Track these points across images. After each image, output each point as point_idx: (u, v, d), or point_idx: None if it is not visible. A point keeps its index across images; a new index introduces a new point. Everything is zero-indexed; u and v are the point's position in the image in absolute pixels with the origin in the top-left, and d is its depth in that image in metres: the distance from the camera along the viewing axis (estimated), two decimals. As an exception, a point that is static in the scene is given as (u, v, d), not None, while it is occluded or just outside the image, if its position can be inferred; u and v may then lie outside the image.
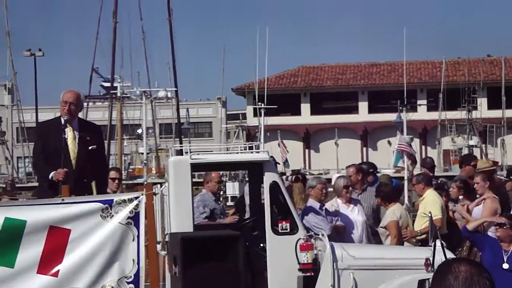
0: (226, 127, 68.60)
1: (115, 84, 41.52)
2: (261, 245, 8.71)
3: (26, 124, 51.12)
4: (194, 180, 8.64)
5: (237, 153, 9.19)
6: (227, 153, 9.67)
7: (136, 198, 7.78)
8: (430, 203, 10.65)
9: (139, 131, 50.42)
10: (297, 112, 68.84)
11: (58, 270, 7.50)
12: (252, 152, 9.02)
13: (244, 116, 70.36)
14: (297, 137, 68.19)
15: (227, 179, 41.73)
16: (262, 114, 36.45)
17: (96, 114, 54.35)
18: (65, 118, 8.40)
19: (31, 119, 49.81)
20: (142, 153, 39.56)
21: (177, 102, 41.75)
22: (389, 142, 60.51)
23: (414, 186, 11.42)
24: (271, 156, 9.22)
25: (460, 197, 11.38)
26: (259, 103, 36.86)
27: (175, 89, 39.41)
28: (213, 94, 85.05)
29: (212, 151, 9.17)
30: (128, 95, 40.01)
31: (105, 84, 42.35)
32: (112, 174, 10.24)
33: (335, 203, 10.40)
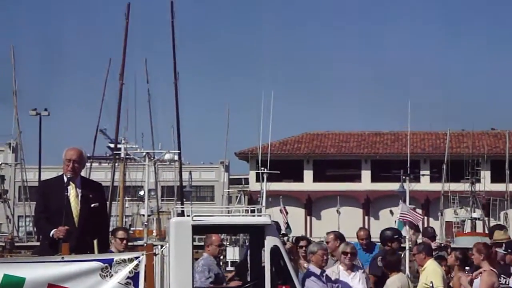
0: (228, 191, 68.55)
1: (119, 146, 41.75)
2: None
3: (29, 183, 51.16)
4: (194, 243, 8.62)
5: (239, 216, 9.19)
6: (229, 216, 9.67)
7: (137, 258, 7.77)
8: (431, 273, 10.63)
9: (141, 193, 50.42)
10: (300, 179, 68.84)
11: (53, 329, 7.44)
12: (253, 216, 9.02)
13: (246, 181, 70.36)
14: (299, 203, 68.07)
15: (228, 243, 41.55)
16: (265, 179, 36.50)
17: (99, 174, 54.40)
18: (68, 176, 8.43)
19: (34, 178, 49.82)
20: (143, 215, 39.51)
21: (180, 165, 41.86)
22: (391, 212, 60.38)
23: (415, 256, 11.39)
24: (275, 221, 9.22)
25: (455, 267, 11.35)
26: (262, 168, 36.95)
27: (178, 151, 39.56)
28: (216, 158, 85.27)
29: (213, 214, 9.14)
30: (131, 157, 40.15)
31: (112, 145, 42.45)
32: (120, 234, 10.13)
33: (336, 270, 10.36)
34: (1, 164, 49.08)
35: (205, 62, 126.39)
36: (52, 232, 8.28)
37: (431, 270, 10.76)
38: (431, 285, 9.03)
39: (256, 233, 9.09)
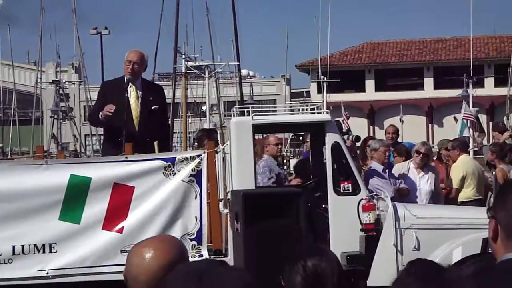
0: (290, 104, 68.38)
1: (179, 63, 41.85)
2: (323, 206, 8.69)
3: (93, 102, 51.78)
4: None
5: (299, 114, 9.18)
6: (289, 114, 9.66)
7: (198, 156, 7.86)
8: (453, 170, 11.05)
9: (204, 108, 50.74)
10: (361, 89, 68.26)
11: (123, 227, 7.63)
12: (314, 113, 8.98)
13: (308, 94, 70.05)
14: (362, 113, 67.68)
15: (291, 155, 41.69)
16: (325, 88, 36.29)
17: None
18: (128, 78, 8.48)
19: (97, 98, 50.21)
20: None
21: (240, 77, 41.85)
22: (455, 118, 59.53)
23: (450, 152, 11.47)
24: (335, 120, 9.17)
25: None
26: (322, 77, 36.65)
27: (238, 63, 39.42)
28: (277, 72, 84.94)
29: (273, 113, 9.13)
30: (192, 71, 40.23)
31: (197, 64, 42.60)
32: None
33: (406, 166, 10.37)
34: (65, 82, 49.72)
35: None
36: (100, 114, 8.36)
37: (454, 167, 10.95)
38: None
39: (317, 130, 9.08)
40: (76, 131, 45.22)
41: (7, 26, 54.52)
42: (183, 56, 38.72)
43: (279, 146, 10.32)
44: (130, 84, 8.46)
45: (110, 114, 8.17)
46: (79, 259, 7.52)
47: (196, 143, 9.82)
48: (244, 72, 70.21)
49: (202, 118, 53.10)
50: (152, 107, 8.54)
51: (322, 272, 3.12)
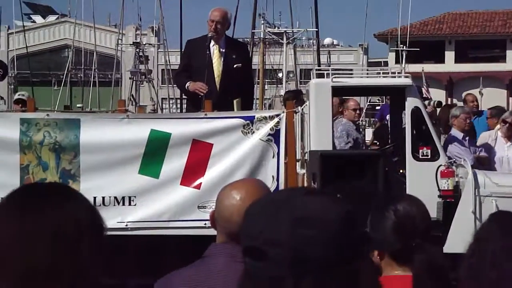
0: (367, 73, 67.63)
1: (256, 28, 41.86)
2: (401, 171, 8.63)
3: (172, 66, 52.41)
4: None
5: (379, 77, 9.09)
6: (369, 77, 9.57)
7: (277, 115, 7.85)
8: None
9: (280, 75, 50.70)
10: (441, 60, 67.12)
11: (201, 183, 7.70)
12: (394, 77, 8.90)
13: (385, 63, 69.20)
14: (440, 85, 66.62)
15: (366, 124, 41.39)
16: (404, 57, 35.79)
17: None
18: (210, 36, 8.50)
19: (176, 62, 50.77)
20: (282, 95, 39.81)
21: (318, 44, 41.52)
22: (537, 93, 58.21)
23: (488, 120, 11.19)
24: (416, 85, 9.05)
25: None
26: (401, 46, 36.15)
27: (316, 29, 39.15)
28: (354, 41, 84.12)
29: (353, 76, 9.06)
30: (270, 37, 40.18)
31: (275, 30, 42.50)
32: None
33: (494, 135, 10.19)
34: (145, 44, 50.26)
35: None
36: (187, 84, 8.44)
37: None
38: None
39: (397, 94, 8.99)
40: (154, 93, 45.75)
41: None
42: (262, 22, 38.64)
43: (357, 112, 10.24)
44: (212, 42, 8.49)
45: (200, 94, 8.23)
46: (157, 213, 7.64)
47: (283, 104, 9.85)
48: (327, 40, 69.82)
49: (278, 85, 53.14)
50: (235, 65, 8.54)
51: (413, 215, 3.10)
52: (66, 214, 1.78)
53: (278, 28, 40.89)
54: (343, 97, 10.02)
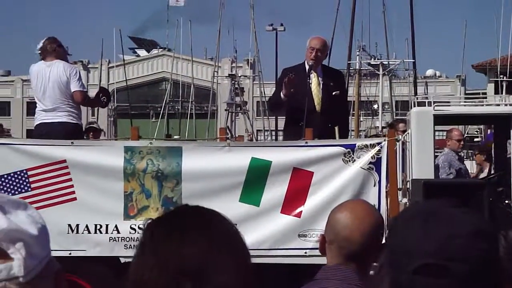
0: (465, 105, 66.50)
1: (353, 60, 41.78)
2: (506, 201, 8.40)
3: (267, 98, 52.69)
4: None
5: (483, 106, 8.92)
6: (472, 105, 9.40)
7: (379, 143, 7.76)
8: None
9: (375, 106, 50.37)
10: (542, 91, 65.38)
11: (301, 211, 7.66)
12: (499, 105, 8.71)
13: (484, 95, 67.94)
14: (541, 117, 64.86)
15: (464, 156, 40.62)
16: (504, 87, 35.03)
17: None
18: (310, 64, 8.53)
19: (271, 93, 50.85)
20: (378, 127, 39.53)
21: (415, 75, 41.11)
22: None
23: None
24: None
25: None
26: (501, 76, 35.44)
27: (413, 60, 38.79)
28: (451, 71, 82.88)
29: (456, 104, 8.92)
30: (366, 68, 40.05)
31: (371, 62, 42.49)
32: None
33: None
34: (240, 76, 50.85)
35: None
36: (281, 93, 8.44)
37: None
38: None
39: (501, 123, 8.79)
40: (249, 124, 46.11)
41: (189, 22, 56.27)
42: (358, 53, 38.57)
43: (461, 142, 10.02)
44: (311, 70, 8.51)
45: (291, 89, 8.22)
46: (257, 241, 7.62)
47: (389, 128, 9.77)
48: (430, 72, 69.08)
49: (374, 117, 52.81)
50: (333, 93, 8.54)
51: None
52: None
53: (375, 59, 40.68)
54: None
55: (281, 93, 8.46)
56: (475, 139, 36.53)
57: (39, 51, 8.82)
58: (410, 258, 1.62)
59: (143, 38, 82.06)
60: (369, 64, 39.27)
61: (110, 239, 7.68)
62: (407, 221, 1.66)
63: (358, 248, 2.71)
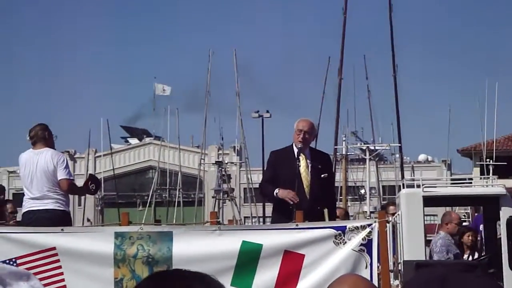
0: (454, 186, 66.68)
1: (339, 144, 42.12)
2: (498, 283, 8.36)
3: (254, 185, 52.91)
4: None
5: (472, 187, 8.98)
6: (461, 187, 9.46)
7: (369, 225, 7.76)
8: None
9: (362, 191, 50.49)
10: (528, 175, 65.74)
11: (293, 294, 7.59)
12: (487, 186, 8.77)
13: (470, 180, 68.29)
14: (528, 200, 65.11)
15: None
16: (490, 171, 35.20)
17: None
18: (299, 147, 8.59)
19: (258, 180, 51.13)
20: (366, 211, 39.57)
21: (401, 159, 41.37)
22: None
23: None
24: (509, 189, 8.90)
25: None
26: (488, 160, 35.70)
27: (399, 144, 39.13)
28: (437, 156, 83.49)
29: (445, 185, 8.98)
30: (353, 153, 40.31)
31: (358, 146, 42.80)
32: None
33: None
34: (227, 163, 51.02)
35: (424, 58, 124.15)
36: (276, 190, 8.46)
37: None
38: None
39: (490, 204, 8.83)
40: (237, 211, 46.01)
41: (176, 110, 56.77)
42: (344, 138, 38.89)
43: (460, 226, 9.99)
44: (300, 153, 8.57)
45: (292, 202, 8.29)
46: (250, 326, 7.53)
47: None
48: (422, 157, 69.62)
49: (361, 202, 52.87)
50: (322, 175, 8.59)
51: None
52: None
53: (361, 143, 41.01)
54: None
55: (276, 192, 8.48)
56: (463, 223, 36.52)
57: (30, 138, 8.87)
58: None
59: (135, 127, 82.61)
60: (357, 148, 39.56)
61: (100, 327, 7.56)
62: (422, 286, 1.67)
63: None
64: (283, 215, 8.46)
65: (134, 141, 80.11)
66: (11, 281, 1.68)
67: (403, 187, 8.84)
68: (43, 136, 8.81)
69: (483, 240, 9.73)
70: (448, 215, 9.86)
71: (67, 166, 8.91)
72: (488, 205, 9.17)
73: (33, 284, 1.71)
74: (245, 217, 56.21)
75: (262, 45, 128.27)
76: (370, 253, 7.64)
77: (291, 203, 8.31)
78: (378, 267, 7.64)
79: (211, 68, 53.20)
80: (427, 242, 10.01)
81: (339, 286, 2.81)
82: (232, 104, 51.65)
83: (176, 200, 53.24)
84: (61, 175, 8.73)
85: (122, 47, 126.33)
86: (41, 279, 7.65)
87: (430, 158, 74.39)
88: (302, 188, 8.51)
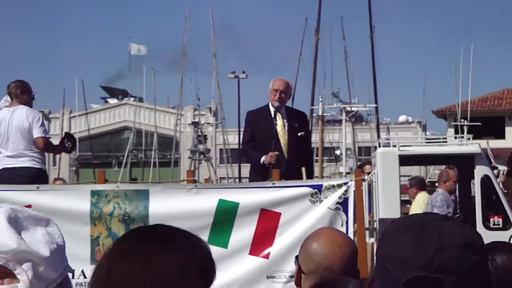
0: (429, 145, 67.15)
1: (315, 105, 42.13)
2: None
3: (230, 145, 52.90)
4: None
5: (447, 145, 9.03)
6: (436, 145, 9.52)
7: (345, 183, 7.79)
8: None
9: (338, 152, 50.69)
10: (501, 136, 66.36)
11: (269, 253, 7.63)
12: (462, 145, 8.83)
13: (444, 140, 68.79)
14: (501, 161, 65.66)
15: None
16: (465, 132, 35.51)
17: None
18: (275, 106, 8.59)
19: (234, 141, 51.36)
20: (342, 172, 39.78)
21: (377, 120, 41.53)
22: None
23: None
24: (485, 153, 8.96)
25: None
26: (462, 120, 35.99)
27: (375, 105, 39.24)
28: (411, 116, 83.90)
29: (420, 144, 9.03)
30: (329, 114, 40.37)
31: (334, 106, 42.88)
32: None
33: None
34: (203, 124, 50.94)
35: (401, 19, 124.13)
36: (262, 158, 8.50)
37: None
38: None
39: (465, 163, 8.90)
40: (213, 171, 46.05)
41: (152, 71, 56.41)
42: (320, 99, 38.92)
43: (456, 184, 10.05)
44: (277, 112, 8.57)
45: (274, 162, 8.29)
46: (226, 283, 7.56)
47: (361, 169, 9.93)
48: (402, 118, 69.89)
49: (337, 163, 53.09)
50: (299, 134, 8.59)
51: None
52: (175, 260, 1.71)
53: (340, 104, 41.10)
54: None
55: (262, 159, 8.48)
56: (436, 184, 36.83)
57: (8, 94, 8.78)
58: (402, 271, 1.62)
59: (115, 87, 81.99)
60: (331, 109, 39.61)
61: (76, 284, 7.56)
62: (399, 233, 1.67)
63: (338, 277, 2.64)
64: (260, 174, 8.47)
65: (113, 101, 79.57)
66: (28, 225, 1.66)
67: (379, 147, 8.87)
68: (16, 94, 8.72)
69: (457, 198, 9.82)
70: (446, 174, 9.94)
71: (42, 124, 8.83)
72: (462, 164, 9.23)
73: (51, 231, 1.69)
74: (221, 178, 56.25)
75: (241, 5, 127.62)
76: (346, 211, 7.69)
77: (273, 163, 8.33)
78: (354, 225, 7.70)
79: (189, 29, 52.87)
80: (402, 202, 10.12)
81: (316, 239, 2.82)
82: (210, 65, 51.53)
83: (152, 160, 53.20)
84: (37, 133, 8.66)
85: (100, 7, 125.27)
86: (17, 237, 7.68)
87: (410, 119, 74.84)
88: (280, 147, 8.52)
